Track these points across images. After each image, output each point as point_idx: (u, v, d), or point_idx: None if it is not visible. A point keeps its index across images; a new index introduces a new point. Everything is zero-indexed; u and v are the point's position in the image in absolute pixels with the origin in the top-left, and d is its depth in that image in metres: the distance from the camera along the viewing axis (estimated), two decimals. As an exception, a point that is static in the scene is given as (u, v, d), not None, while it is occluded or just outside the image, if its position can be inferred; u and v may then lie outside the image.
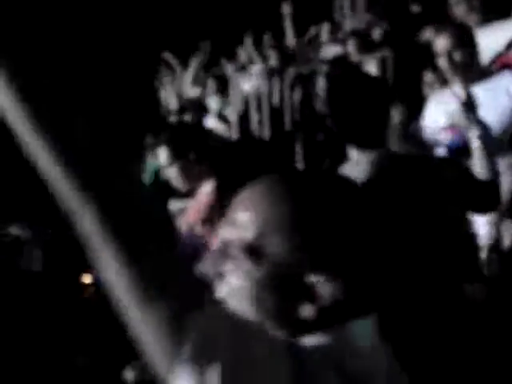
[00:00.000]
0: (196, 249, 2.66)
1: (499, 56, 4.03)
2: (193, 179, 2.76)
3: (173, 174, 2.76)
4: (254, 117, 6.49)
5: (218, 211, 2.58)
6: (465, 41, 3.14)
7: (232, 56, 7.98)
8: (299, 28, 7.69)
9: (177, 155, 2.72)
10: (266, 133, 6.25)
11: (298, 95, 6.40)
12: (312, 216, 0.89)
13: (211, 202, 2.67)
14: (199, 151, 2.74)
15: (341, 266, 0.89)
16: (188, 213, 2.85)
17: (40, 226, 3.67)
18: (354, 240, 0.90)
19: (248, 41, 7.59)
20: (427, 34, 5.22)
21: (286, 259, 0.89)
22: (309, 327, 0.91)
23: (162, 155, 2.74)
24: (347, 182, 0.96)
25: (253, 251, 0.90)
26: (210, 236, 2.61)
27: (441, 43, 3.15)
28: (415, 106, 4.25)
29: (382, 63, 5.66)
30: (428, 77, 4.72)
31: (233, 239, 0.93)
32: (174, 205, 4.16)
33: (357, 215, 0.91)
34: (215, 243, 2.66)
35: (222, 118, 6.89)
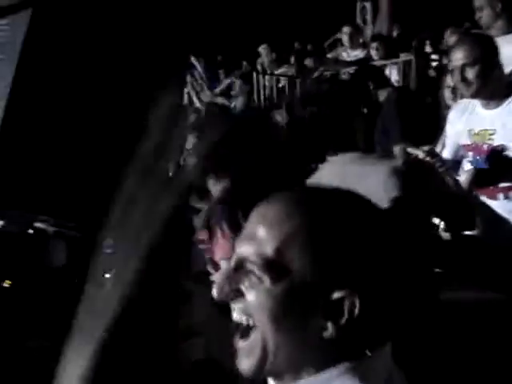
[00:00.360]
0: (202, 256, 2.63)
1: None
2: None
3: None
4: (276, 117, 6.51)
5: (224, 215, 2.55)
6: (482, 56, 2.98)
7: (254, 58, 8.02)
8: (321, 32, 7.72)
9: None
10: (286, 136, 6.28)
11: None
12: (332, 229, 0.88)
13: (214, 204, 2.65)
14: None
15: (360, 281, 0.88)
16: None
17: (65, 221, 3.70)
18: (372, 252, 0.89)
19: (266, 49, 7.62)
20: (451, 38, 5.21)
21: (305, 275, 0.87)
22: (331, 351, 0.88)
23: (191, 140, 2.72)
24: (362, 197, 0.96)
25: (271, 267, 0.88)
26: (211, 242, 2.58)
27: (456, 57, 3.03)
28: (435, 111, 4.25)
29: (404, 67, 5.67)
30: (449, 82, 4.71)
31: (250, 255, 0.90)
32: (195, 203, 4.17)
33: (374, 227, 0.92)
34: (222, 254, 2.61)
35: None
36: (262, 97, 6.84)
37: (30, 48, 3.90)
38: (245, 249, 0.91)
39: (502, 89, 3.03)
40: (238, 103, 7.50)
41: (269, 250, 0.89)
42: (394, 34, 6.24)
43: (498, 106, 3.01)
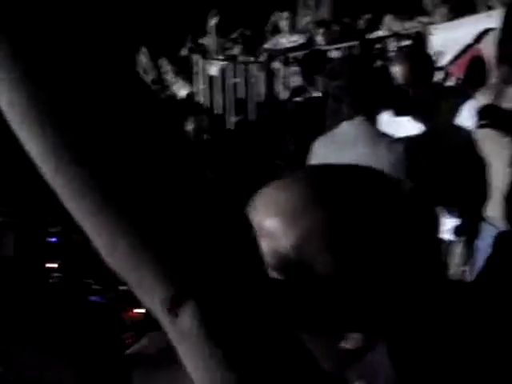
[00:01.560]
0: None
1: (468, 48, 4.12)
2: None
3: None
4: (219, 101, 6.47)
5: None
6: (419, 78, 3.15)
7: (195, 42, 7.94)
8: (259, 17, 7.69)
9: None
10: (232, 119, 6.26)
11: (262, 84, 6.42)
12: (363, 221, 0.73)
13: None
14: None
15: (390, 280, 0.74)
16: None
17: (11, 209, 3.57)
18: (413, 248, 0.75)
19: (211, 28, 7.56)
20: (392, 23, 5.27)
21: (328, 274, 0.72)
22: (351, 358, 0.77)
23: None
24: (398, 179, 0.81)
25: (288, 264, 0.73)
26: None
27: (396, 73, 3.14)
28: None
29: (349, 53, 5.70)
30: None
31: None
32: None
33: (417, 217, 0.77)
34: None
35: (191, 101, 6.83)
36: (204, 79, 6.76)
37: None
38: None
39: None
40: (176, 89, 7.37)
41: (286, 244, 0.73)
42: (338, 19, 6.27)
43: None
